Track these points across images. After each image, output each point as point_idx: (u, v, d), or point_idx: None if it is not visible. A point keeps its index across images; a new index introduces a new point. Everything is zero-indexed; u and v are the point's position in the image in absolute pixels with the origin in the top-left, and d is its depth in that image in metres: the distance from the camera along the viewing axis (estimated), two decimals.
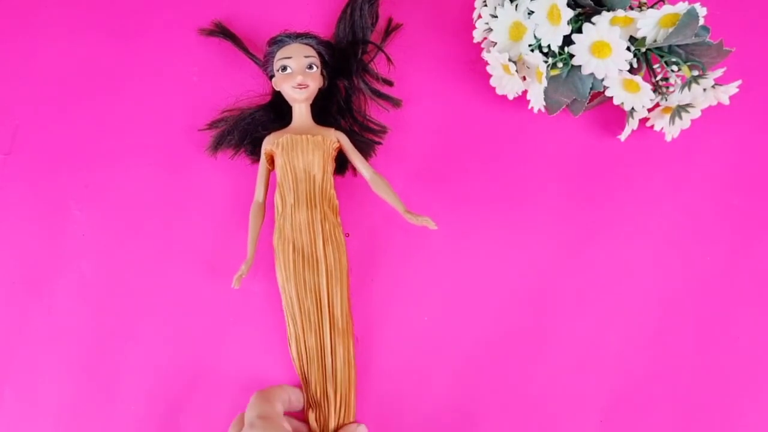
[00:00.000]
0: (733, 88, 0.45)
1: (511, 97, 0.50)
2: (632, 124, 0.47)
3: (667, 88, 0.46)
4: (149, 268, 0.50)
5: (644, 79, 0.44)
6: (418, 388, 0.47)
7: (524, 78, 0.48)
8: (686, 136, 0.49)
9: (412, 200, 0.49)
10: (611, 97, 0.46)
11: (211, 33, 0.53)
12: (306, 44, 0.49)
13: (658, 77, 0.47)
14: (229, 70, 0.53)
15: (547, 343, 0.47)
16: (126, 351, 0.48)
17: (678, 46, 0.45)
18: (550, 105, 0.48)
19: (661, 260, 0.49)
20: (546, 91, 0.46)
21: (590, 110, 0.51)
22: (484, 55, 0.49)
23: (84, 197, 0.51)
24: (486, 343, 0.47)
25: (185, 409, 0.47)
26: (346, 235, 0.49)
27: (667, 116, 0.47)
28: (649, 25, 0.42)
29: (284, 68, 0.48)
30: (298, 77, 0.47)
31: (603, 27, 0.42)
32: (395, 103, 0.52)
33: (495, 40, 0.47)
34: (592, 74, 0.45)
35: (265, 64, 0.51)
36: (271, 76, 0.50)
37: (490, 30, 0.48)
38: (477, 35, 0.50)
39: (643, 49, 0.45)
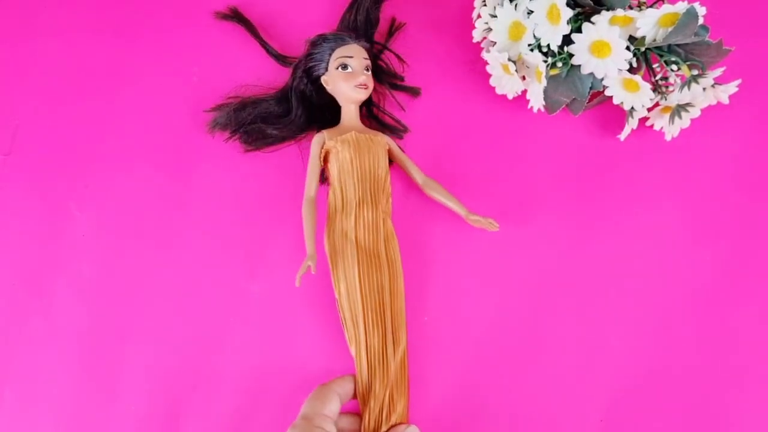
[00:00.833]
0: (732, 87, 0.45)
1: (510, 96, 0.50)
2: (632, 124, 0.47)
3: (667, 87, 0.46)
4: (149, 268, 0.50)
5: (644, 78, 0.44)
6: (422, 386, 0.47)
7: (524, 77, 0.48)
8: (686, 135, 0.49)
9: (412, 200, 0.49)
10: (611, 97, 0.46)
11: (226, 17, 0.53)
12: (363, 47, 0.49)
13: (658, 76, 0.47)
14: (229, 70, 0.53)
15: (546, 342, 0.47)
16: (125, 351, 0.48)
17: (677, 45, 0.45)
18: (550, 104, 0.48)
19: (661, 259, 0.49)
20: (545, 91, 0.46)
21: (590, 110, 0.51)
22: (484, 54, 0.49)
23: (84, 197, 0.51)
24: (486, 343, 0.47)
25: (185, 410, 0.47)
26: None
27: (667, 115, 0.47)
28: (648, 24, 0.42)
29: (345, 66, 0.48)
30: (362, 77, 0.47)
31: (602, 26, 0.42)
32: (414, 92, 0.52)
33: (494, 40, 0.47)
34: (591, 74, 0.45)
35: (311, 62, 0.50)
36: (317, 76, 0.49)
37: (489, 30, 0.48)
38: (476, 35, 0.50)
39: (643, 49, 0.45)
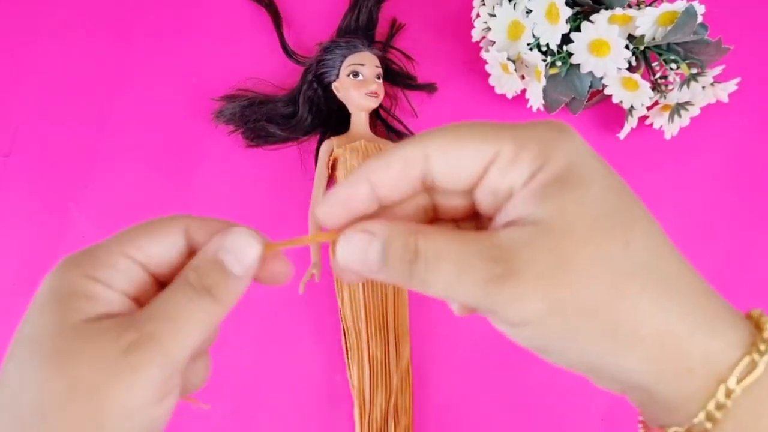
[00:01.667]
0: (731, 85, 0.45)
1: (510, 95, 0.50)
2: (631, 122, 0.47)
3: (666, 86, 0.46)
4: None
5: (643, 77, 0.44)
6: (424, 383, 0.47)
7: (523, 77, 0.48)
8: (685, 133, 0.49)
9: None
10: (610, 96, 0.46)
11: (258, 0, 0.53)
12: (375, 54, 0.49)
13: (657, 75, 0.47)
14: (229, 70, 0.53)
15: None
16: None
17: (677, 44, 0.45)
18: (549, 103, 0.48)
19: None
20: (545, 90, 0.46)
21: (589, 108, 0.51)
22: (483, 54, 0.49)
23: (84, 198, 0.51)
24: (486, 341, 0.47)
25: (185, 410, 0.47)
26: None
27: (666, 114, 0.47)
28: (647, 23, 0.42)
29: (356, 74, 0.48)
30: (373, 85, 0.47)
31: (601, 25, 0.42)
32: (430, 89, 0.52)
33: (493, 39, 0.47)
34: (590, 72, 0.45)
35: (319, 64, 0.50)
36: (328, 82, 0.49)
37: (488, 29, 0.48)
38: (475, 34, 0.50)
39: (642, 47, 0.45)
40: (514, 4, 0.45)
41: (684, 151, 0.50)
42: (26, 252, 0.50)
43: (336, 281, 0.45)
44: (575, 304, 0.17)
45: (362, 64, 0.48)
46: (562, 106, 0.48)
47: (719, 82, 0.45)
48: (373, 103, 0.48)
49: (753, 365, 0.17)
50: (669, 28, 0.42)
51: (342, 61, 0.49)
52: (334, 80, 0.49)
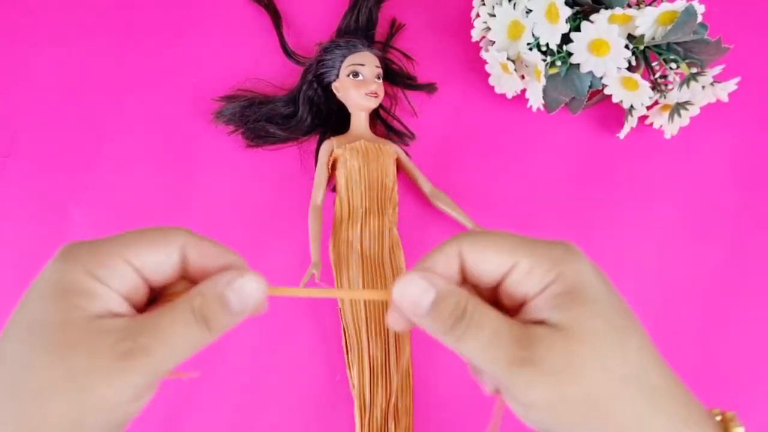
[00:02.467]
0: (731, 85, 0.45)
1: (509, 95, 0.50)
2: (631, 122, 0.47)
3: (666, 85, 0.46)
4: None
5: (643, 76, 0.44)
6: (425, 384, 0.47)
7: (523, 76, 0.48)
8: (685, 133, 0.49)
9: (419, 209, 0.49)
10: (610, 95, 0.46)
11: (258, 0, 0.53)
12: (375, 54, 0.49)
13: (657, 75, 0.47)
14: (229, 70, 0.53)
15: None
16: None
17: (676, 43, 0.45)
18: (549, 103, 0.48)
19: (661, 257, 0.49)
20: (545, 90, 0.46)
21: (589, 108, 0.51)
22: (483, 54, 0.49)
23: (84, 198, 0.51)
24: None
25: (186, 411, 0.47)
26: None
27: (666, 114, 0.47)
28: (647, 22, 0.42)
29: (356, 74, 0.48)
30: (373, 85, 0.47)
31: (601, 25, 0.42)
32: (430, 89, 0.52)
33: (493, 39, 0.47)
34: (590, 72, 0.45)
35: (319, 64, 0.49)
36: (328, 82, 0.49)
37: (488, 29, 0.48)
38: (475, 34, 0.50)
39: (642, 47, 0.45)
40: (514, 4, 0.45)
41: (684, 151, 0.50)
42: (26, 252, 0.50)
43: (336, 281, 0.45)
44: (578, 398, 0.21)
45: (362, 64, 0.48)
46: (562, 105, 0.48)
47: (719, 82, 0.45)
48: (373, 103, 0.48)
49: None
50: (669, 27, 0.42)
51: (342, 61, 0.49)
52: (334, 80, 0.49)
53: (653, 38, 0.43)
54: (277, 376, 0.46)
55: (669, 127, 0.48)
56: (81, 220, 0.51)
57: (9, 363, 0.20)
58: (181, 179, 0.51)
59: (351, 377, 0.44)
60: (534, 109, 0.49)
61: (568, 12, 0.42)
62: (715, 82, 0.45)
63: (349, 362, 0.44)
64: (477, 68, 0.51)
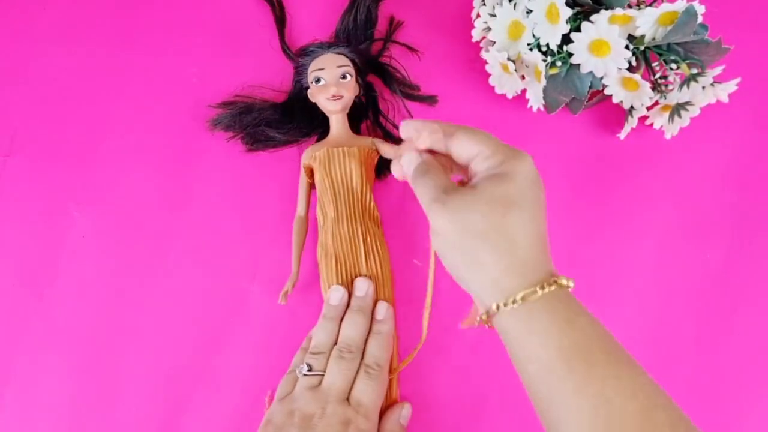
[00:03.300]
0: (732, 85, 0.45)
1: (510, 96, 0.50)
2: (631, 123, 0.47)
3: (666, 86, 0.46)
4: (149, 269, 0.50)
5: (643, 77, 0.44)
6: (426, 382, 0.47)
7: (523, 77, 0.48)
8: (686, 134, 0.49)
9: (410, 199, 0.49)
10: (610, 96, 0.46)
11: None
12: (338, 53, 0.49)
13: (657, 75, 0.47)
14: (229, 70, 0.53)
15: None
16: (126, 352, 0.48)
17: (677, 44, 0.45)
18: (549, 104, 0.48)
19: (661, 258, 0.49)
20: (545, 90, 0.46)
21: (589, 108, 0.51)
22: (483, 54, 0.49)
23: (84, 198, 0.51)
24: (486, 340, 0.47)
25: (186, 412, 0.47)
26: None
27: (667, 114, 0.47)
28: (647, 23, 0.42)
29: (318, 80, 0.48)
30: (332, 89, 0.47)
31: (602, 25, 0.42)
32: (431, 101, 0.52)
33: (494, 39, 0.47)
34: (590, 73, 0.45)
35: (298, 75, 0.51)
36: (306, 88, 0.50)
37: (488, 29, 0.48)
38: (475, 34, 0.50)
39: (642, 48, 0.45)
40: (515, 4, 0.45)
41: (684, 151, 0.50)
42: (26, 253, 0.50)
43: (323, 289, 0.46)
44: (457, 235, 0.32)
45: (322, 68, 0.48)
46: (563, 106, 0.48)
47: (719, 82, 0.45)
48: (338, 106, 0.48)
49: (535, 293, 0.31)
50: (669, 28, 0.42)
51: (307, 69, 0.49)
52: (308, 87, 0.50)
53: (654, 39, 0.43)
54: (277, 376, 0.46)
55: (669, 127, 0.48)
56: (81, 220, 0.51)
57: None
58: (181, 179, 0.51)
59: None
60: (534, 109, 0.49)
61: (568, 12, 0.42)
62: (715, 82, 0.45)
63: None
64: (477, 68, 0.51)
